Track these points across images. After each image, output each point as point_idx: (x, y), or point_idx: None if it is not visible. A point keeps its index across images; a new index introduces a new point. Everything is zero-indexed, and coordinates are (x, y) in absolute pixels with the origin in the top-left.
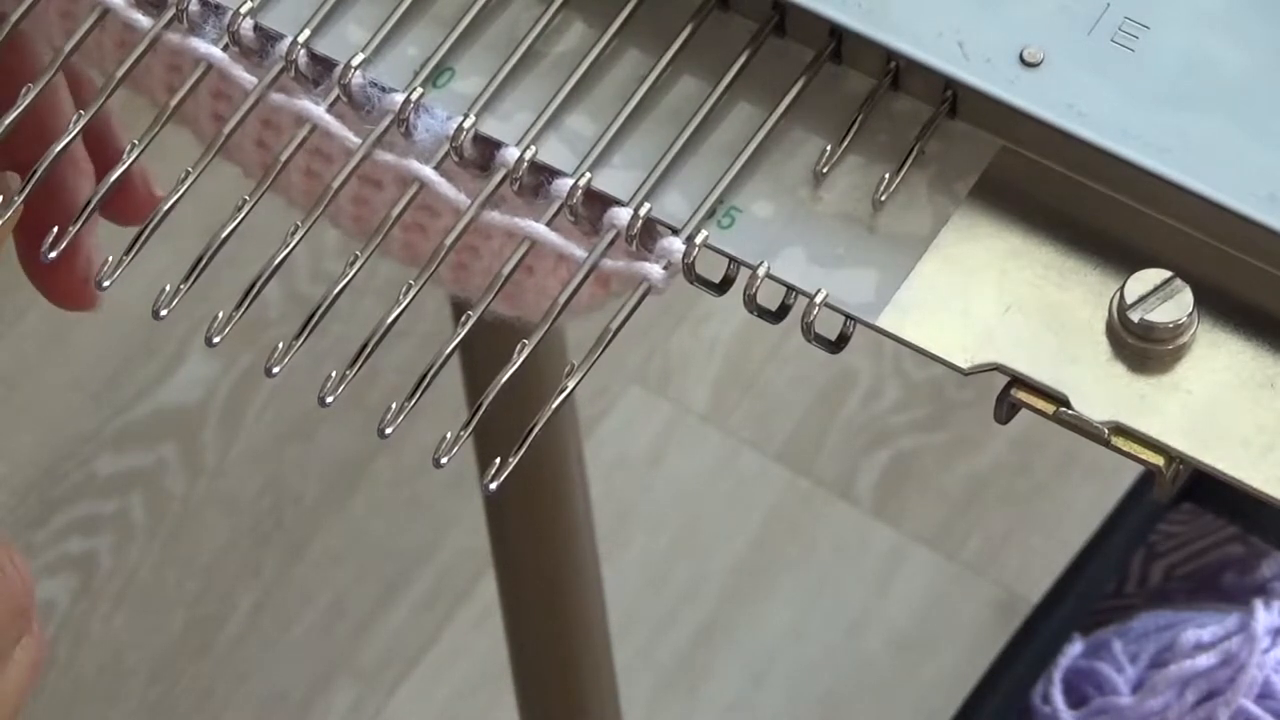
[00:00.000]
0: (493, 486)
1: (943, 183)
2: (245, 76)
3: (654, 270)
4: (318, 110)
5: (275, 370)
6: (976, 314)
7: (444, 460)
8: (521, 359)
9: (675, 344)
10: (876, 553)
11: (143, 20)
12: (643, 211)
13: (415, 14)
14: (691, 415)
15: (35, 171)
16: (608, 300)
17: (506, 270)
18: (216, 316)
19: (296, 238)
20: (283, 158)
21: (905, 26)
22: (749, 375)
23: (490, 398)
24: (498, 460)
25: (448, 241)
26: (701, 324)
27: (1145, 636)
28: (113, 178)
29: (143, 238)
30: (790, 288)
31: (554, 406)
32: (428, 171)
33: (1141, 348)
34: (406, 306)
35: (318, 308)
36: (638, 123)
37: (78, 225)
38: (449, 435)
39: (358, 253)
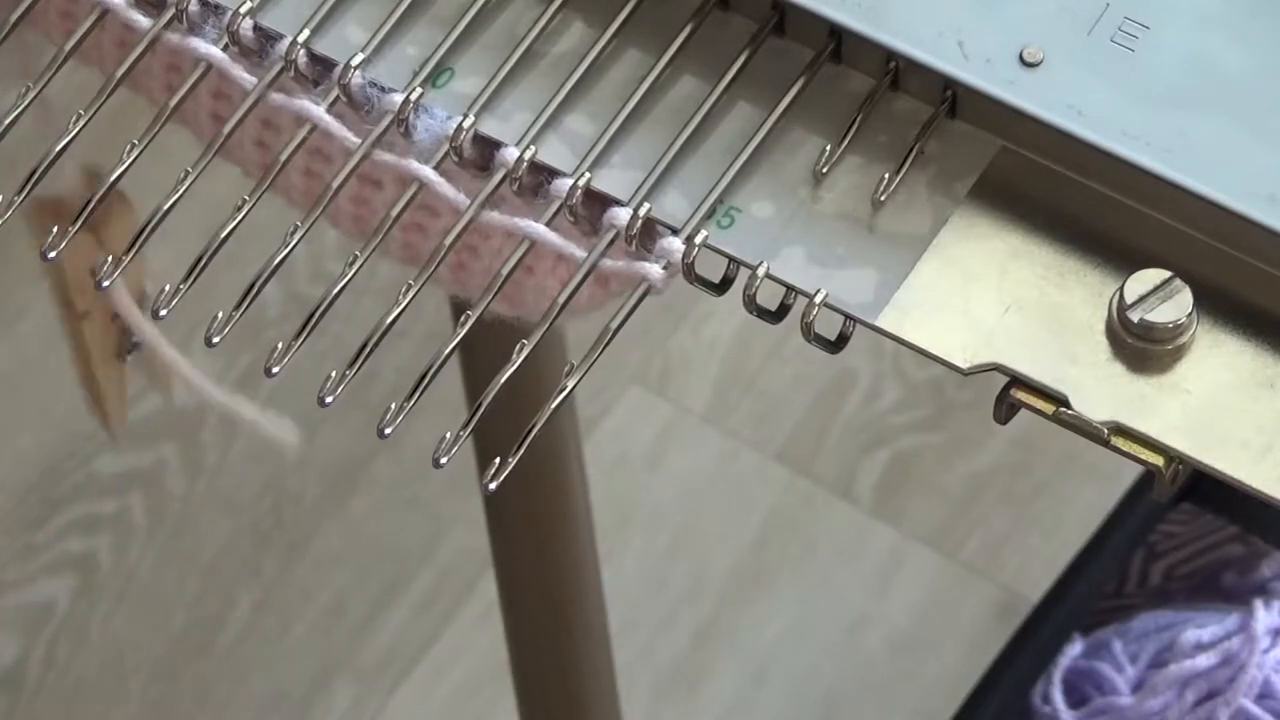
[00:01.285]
0: (492, 486)
1: (942, 183)
2: (245, 76)
3: (653, 270)
4: (317, 110)
5: (275, 370)
6: (976, 314)
7: (444, 460)
8: (521, 359)
9: (675, 344)
10: (876, 553)
11: (142, 20)
12: (642, 211)
13: (415, 14)
14: (691, 415)
15: (35, 172)
16: (608, 300)
17: (506, 270)
18: (216, 316)
19: (296, 238)
20: (283, 158)
21: (905, 26)
22: (749, 375)
23: (490, 398)
24: (497, 460)
25: (447, 242)
26: (701, 324)
27: (1145, 636)
28: (113, 178)
29: (142, 237)
30: (790, 288)
31: (553, 406)
32: (427, 171)
33: (1141, 348)
34: (406, 306)
35: (318, 308)
36: (637, 122)
37: (77, 225)
38: (449, 435)
39: (357, 253)
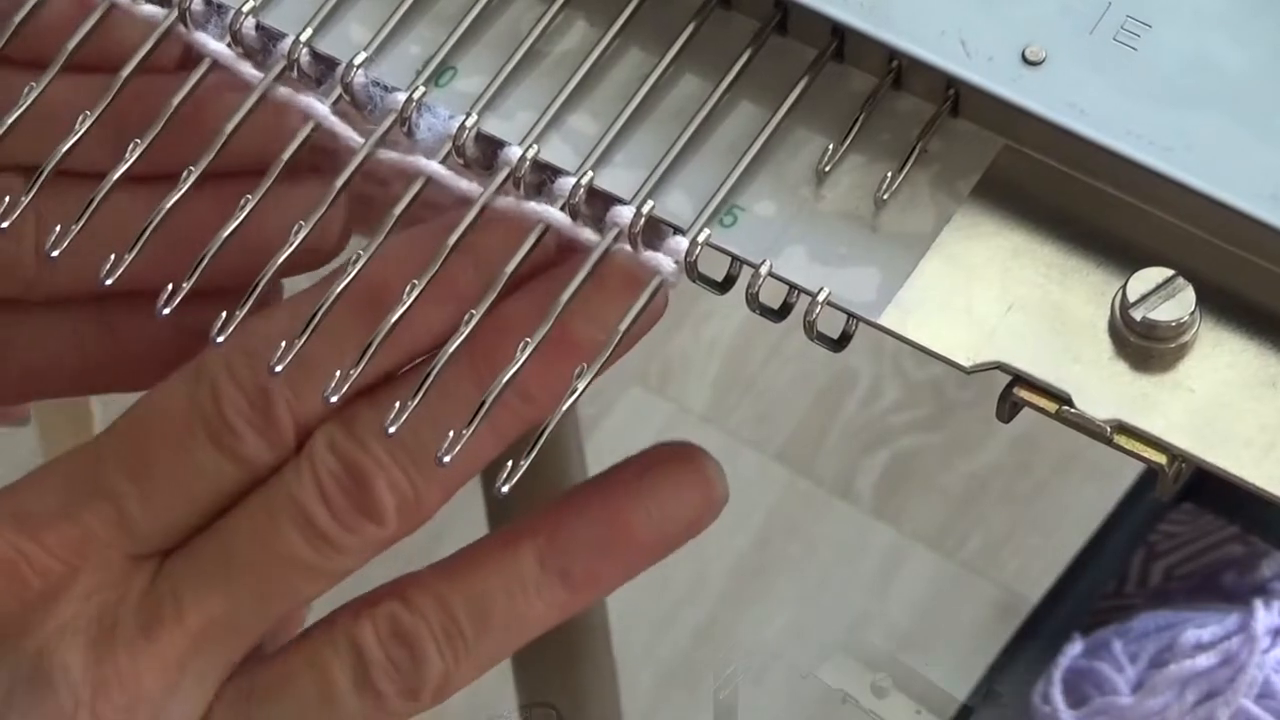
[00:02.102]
0: (505, 489)
1: (945, 181)
2: (251, 73)
3: (666, 262)
4: (322, 108)
5: (277, 369)
6: (979, 312)
7: (446, 459)
8: (525, 358)
9: (675, 344)
10: (876, 553)
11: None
12: (646, 209)
13: (417, 13)
14: (691, 415)
15: (40, 172)
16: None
17: (510, 269)
18: (220, 316)
19: (298, 238)
20: (284, 157)
21: (907, 25)
22: (749, 375)
23: (495, 396)
24: (509, 463)
25: (450, 242)
26: (702, 324)
27: (1145, 636)
28: (115, 176)
29: (143, 238)
30: (793, 286)
31: (564, 407)
32: (434, 166)
33: (1144, 346)
34: (410, 305)
35: (318, 308)
36: (640, 122)
37: (80, 223)
38: (452, 435)
39: (360, 251)
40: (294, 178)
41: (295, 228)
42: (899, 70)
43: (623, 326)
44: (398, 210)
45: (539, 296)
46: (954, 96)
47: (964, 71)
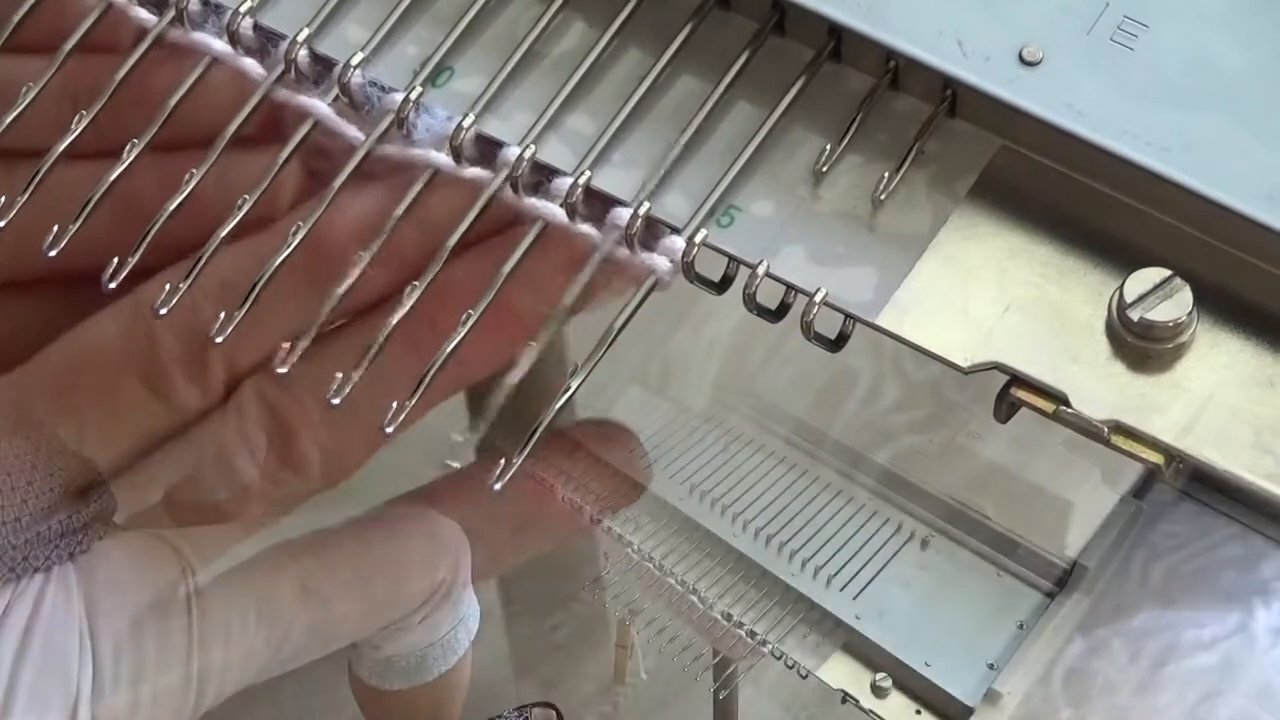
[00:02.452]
0: (497, 487)
1: (942, 181)
2: (255, 70)
3: (661, 262)
4: (323, 107)
5: (278, 370)
6: (976, 313)
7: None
8: (529, 361)
9: (675, 344)
10: (876, 552)
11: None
12: (643, 210)
13: (415, 13)
14: (691, 415)
15: (37, 173)
16: (609, 298)
17: (508, 268)
18: (220, 317)
19: (297, 238)
20: (283, 157)
21: (905, 25)
22: (749, 375)
23: (500, 401)
24: (502, 461)
25: (450, 243)
26: (701, 324)
27: (1145, 636)
28: (113, 176)
29: (145, 239)
30: (790, 286)
31: (558, 406)
32: (441, 158)
33: (1141, 346)
34: (411, 306)
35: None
36: (638, 122)
37: (78, 223)
38: (455, 438)
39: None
40: (244, 147)
41: (290, 221)
42: (896, 70)
43: (618, 324)
44: (398, 211)
45: (481, 264)
46: (951, 97)
47: (961, 72)
